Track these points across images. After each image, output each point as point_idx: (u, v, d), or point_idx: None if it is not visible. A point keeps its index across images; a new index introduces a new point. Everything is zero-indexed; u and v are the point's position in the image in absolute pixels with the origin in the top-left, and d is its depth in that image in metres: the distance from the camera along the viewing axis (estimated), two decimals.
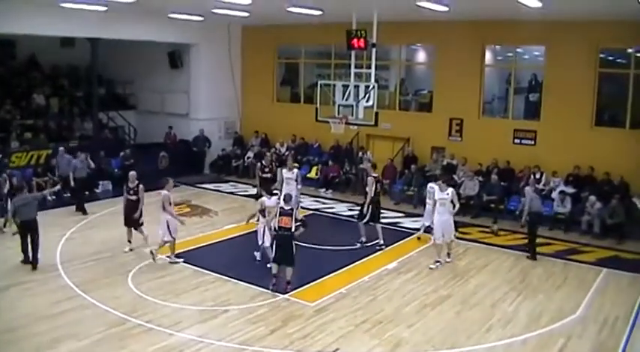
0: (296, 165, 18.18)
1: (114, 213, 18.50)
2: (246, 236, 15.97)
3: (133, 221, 14.97)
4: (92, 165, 19.59)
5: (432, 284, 13.43)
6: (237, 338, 10.53)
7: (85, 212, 18.47)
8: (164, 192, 14.29)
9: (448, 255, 14.95)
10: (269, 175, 17.50)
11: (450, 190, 14.57)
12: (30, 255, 13.60)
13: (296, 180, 16.53)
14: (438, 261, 14.60)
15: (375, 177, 15.78)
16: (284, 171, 16.65)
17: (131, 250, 14.87)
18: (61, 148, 20.03)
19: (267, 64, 26.09)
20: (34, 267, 13.44)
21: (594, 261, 15.24)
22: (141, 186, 14.98)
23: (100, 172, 21.67)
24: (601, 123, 19.07)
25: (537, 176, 18.82)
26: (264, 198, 14.29)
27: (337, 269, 14.12)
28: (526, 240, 15.93)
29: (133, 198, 14.93)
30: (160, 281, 13.09)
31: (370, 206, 15.63)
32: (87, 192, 19.88)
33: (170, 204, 14.22)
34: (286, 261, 12.63)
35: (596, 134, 18.75)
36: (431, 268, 14.33)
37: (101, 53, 22.26)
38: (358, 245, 15.78)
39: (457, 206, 14.72)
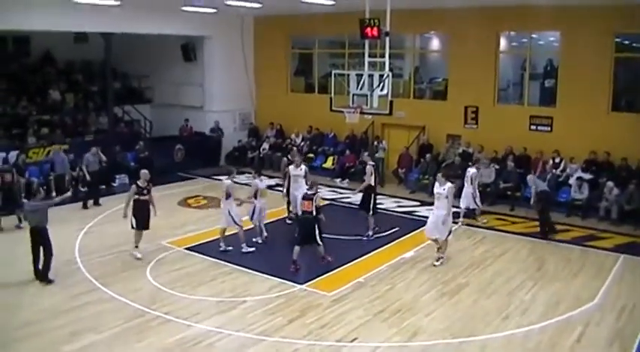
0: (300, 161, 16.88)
1: (131, 206, 18.64)
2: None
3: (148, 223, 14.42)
4: (104, 158, 19.44)
5: (449, 272, 13.42)
6: (255, 328, 10.58)
7: (96, 203, 18.59)
8: (228, 181, 14.40)
9: (438, 252, 14.16)
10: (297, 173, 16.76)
11: (448, 186, 13.81)
12: (40, 267, 12.58)
13: (305, 177, 15.76)
14: (441, 257, 14.02)
15: (372, 166, 15.77)
16: (291, 167, 16.03)
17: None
18: (56, 146, 20.13)
19: (280, 54, 26.08)
20: (43, 280, 12.47)
21: (612, 248, 15.15)
22: (150, 184, 14.38)
23: (117, 166, 21.81)
24: (618, 109, 18.92)
25: (557, 161, 18.78)
26: (256, 181, 14.79)
27: (354, 259, 14.14)
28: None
29: (146, 197, 14.22)
30: (178, 273, 13.18)
31: (372, 195, 15.60)
32: (103, 186, 20.03)
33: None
34: (310, 241, 13.33)
35: (612, 119, 18.60)
36: (434, 265, 13.85)
37: (115, 47, 22.31)
38: (370, 236, 15.69)
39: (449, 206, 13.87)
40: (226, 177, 14.75)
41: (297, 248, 13.29)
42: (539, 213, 16.17)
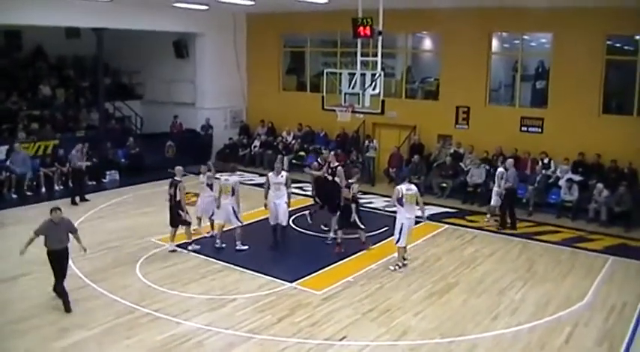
0: (282, 167, 15.98)
1: (121, 203, 18.67)
2: (253, 225, 16.01)
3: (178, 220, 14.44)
4: (77, 162, 19.11)
5: (438, 272, 13.45)
6: (244, 326, 10.57)
7: (83, 199, 18.60)
8: (234, 177, 14.46)
9: (404, 258, 13.85)
10: (330, 177, 15.68)
11: (414, 188, 13.56)
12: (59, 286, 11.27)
13: (286, 185, 14.72)
14: (397, 264, 13.61)
15: (343, 166, 15.78)
16: (270, 174, 14.81)
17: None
18: (17, 144, 19.89)
19: (272, 52, 26.05)
20: (66, 304, 11.10)
21: (601, 249, 15.21)
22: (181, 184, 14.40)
23: (107, 162, 21.77)
24: (608, 111, 19.00)
25: (546, 162, 18.87)
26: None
27: (344, 258, 14.14)
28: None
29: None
30: (168, 271, 13.15)
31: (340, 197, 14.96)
32: (93, 182, 20.01)
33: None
34: (351, 226, 14.43)
35: (603, 122, 18.67)
36: (390, 269, 13.56)
37: (107, 43, 22.24)
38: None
39: (422, 207, 13.73)
40: (229, 174, 14.73)
41: (340, 231, 14.62)
42: (506, 207, 16.80)
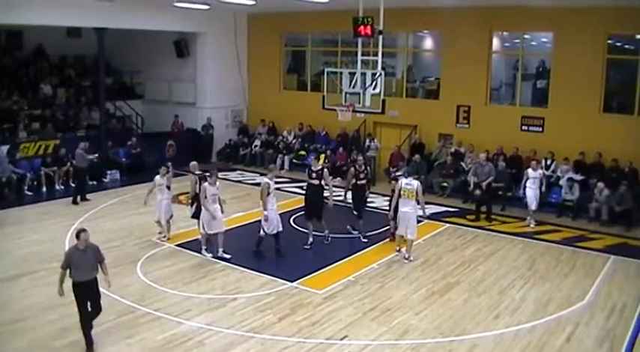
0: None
1: (122, 202, 18.67)
2: (253, 224, 16.00)
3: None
4: (88, 156, 19.19)
5: (439, 271, 13.45)
6: (245, 325, 10.58)
7: (83, 199, 18.57)
8: (265, 179, 14.16)
9: (406, 251, 14.20)
10: (364, 181, 15.68)
11: (416, 183, 13.90)
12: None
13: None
14: (398, 251, 14.40)
15: (328, 168, 15.66)
16: (267, 180, 14.00)
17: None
18: None
19: (273, 52, 26.04)
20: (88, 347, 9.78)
21: (602, 248, 15.20)
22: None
23: (108, 162, 21.78)
24: (609, 110, 18.99)
25: (548, 162, 18.86)
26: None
27: (345, 257, 14.15)
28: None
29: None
30: (169, 270, 13.15)
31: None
32: (94, 182, 20.02)
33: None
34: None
35: (604, 121, 18.66)
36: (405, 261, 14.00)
37: (108, 43, 22.25)
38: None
39: (423, 205, 14.10)
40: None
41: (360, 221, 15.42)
42: (486, 200, 17.52)
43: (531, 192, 16.83)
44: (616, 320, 11.10)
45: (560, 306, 11.62)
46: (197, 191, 14.44)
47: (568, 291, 12.38)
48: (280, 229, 14.15)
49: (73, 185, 19.54)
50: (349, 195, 15.65)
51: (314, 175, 14.86)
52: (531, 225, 16.89)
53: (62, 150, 20.30)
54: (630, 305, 11.73)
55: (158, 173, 15.10)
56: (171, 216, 15.15)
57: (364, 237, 15.41)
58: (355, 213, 15.53)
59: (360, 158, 16.70)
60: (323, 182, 14.85)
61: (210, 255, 13.96)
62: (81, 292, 9.53)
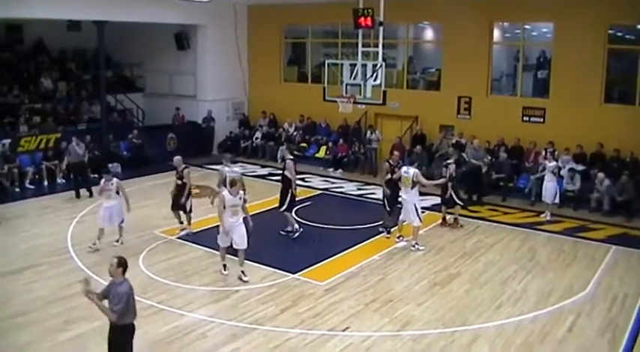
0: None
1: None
2: (255, 216, 16.01)
3: (178, 205, 14.92)
4: (79, 151, 19.13)
5: (441, 262, 13.47)
6: (248, 317, 10.60)
7: (77, 196, 18.53)
8: (223, 192, 13.98)
9: (412, 238, 14.44)
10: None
11: (412, 170, 14.24)
12: None
13: (242, 208, 12.36)
14: (398, 237, 14.75)
15: (293, 160, 14.99)
16: (225, 193, 12.30)
17: (183, 230, 15.01)
18: None
19: (273, 44, 26.01)
20: None
21: (604, 239, 15.22)
22: (186, 170, 14.81)
23: (109, 155, 21.79)
24: (610, 100, 18.98)
25: (549, 151, 18.84)
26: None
27: (347, 249, 14.17)
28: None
29: (179, 182, 14.84)
30: (171, 263, 13.18)
31: (290, 191, 14.84)
32: (95, 175, 20.01)
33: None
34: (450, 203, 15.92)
35: (605, 111, 18.65)
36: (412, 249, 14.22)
37: (108, 36, 22.22)
38: (296, 234, 14.93)
39: (429, 183, 15.13)
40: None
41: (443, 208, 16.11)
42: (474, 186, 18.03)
43: (550, 185, 16.72)
44: (618, 310, 11.12)
45: (562, 297, 11.65)
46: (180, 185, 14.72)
47: (570, 282, 12.40)
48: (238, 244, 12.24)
49: (73, 179, 19.55)
50: (386, 190, 15.00)
51: (295, 167, 15.08)
52: (547, 218, 16.81)
53: (63, 143, 20.29)
54: (632, 295, 11.75)
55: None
56: (122, 220, 14.09)
57: (388, 233, 15.08)
58: (387, 209, 15.06)
59: (396, 153, 16.12)
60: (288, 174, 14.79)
61: (227, 272, 12.52)
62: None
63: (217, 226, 14.89)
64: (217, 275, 12.55)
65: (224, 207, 12.02)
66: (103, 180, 14.04)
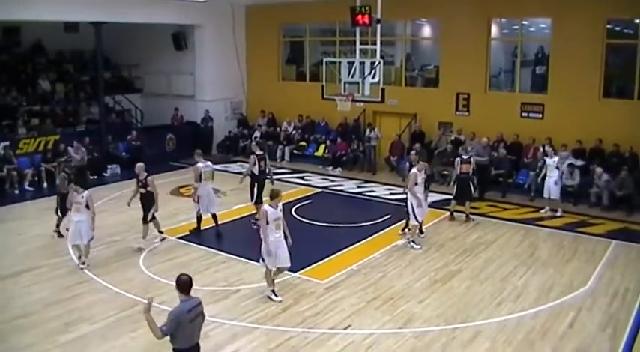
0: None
1: (122, 196, 18.58)
2: (254, 216, 16.02)
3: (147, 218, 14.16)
4: (77, 156, 19.36)
5: (441, 259, 13.47)
6: (249, 317, 10.60)
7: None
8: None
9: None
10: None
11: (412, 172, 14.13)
12: None
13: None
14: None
15: (257, 155, 15.45)
16: (266, 207, 11.31)
17: (162, 240, 14.53)
18: None
19: (271, 43, 26.00)
20: None
21: (604, 234, 15.23)
22: (150, 178, 13.96)
23: (109, 156, 21.80)
24: (609, 95, 18.96)
25: (547, 149, 18.83)
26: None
27: (347, 247, 14.16)
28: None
29: (143, 191, 13.99)
30: (171, 263, 13.17)
31: (256, 185, 15.37)
32: (95, 176, 20.05)
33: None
34: (467, 198, 16.09)
35: (604, 106, 18.63)
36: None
37: (105, 37, 22.19)
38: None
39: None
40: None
41: (453, 202, 16.28)
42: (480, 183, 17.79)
43: (549, 181, 16.74)
44: (618, 304, 11.13)
45: (563, 292, 11.65)
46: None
47: (570, 277, 12.40)
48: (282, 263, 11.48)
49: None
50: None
51: (261, 163, 15.44)
52: (558, 214, 16.82)
53: (62, 145, 20.30)
54: (632, 289, 11.76)
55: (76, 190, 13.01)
56: (92, 238, 12.95)
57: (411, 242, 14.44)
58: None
59: (413, 152, 15.75)
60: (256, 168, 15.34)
61: (280, 298, 11.38)
62: None
63: (213, 227, 15.11)
64: (218, 274, 12.57)
65: (267, 223, 11.01)
66: (72, 192, 13.02)
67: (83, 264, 12.69)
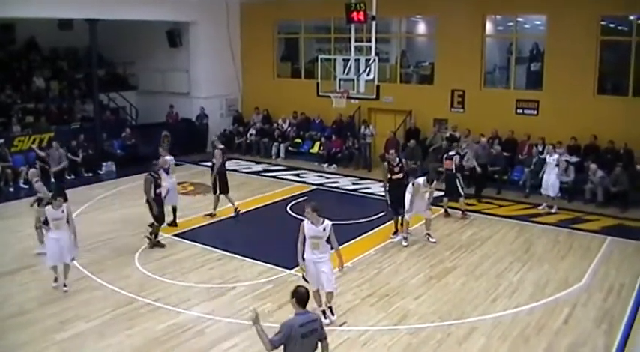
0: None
1: (117, 194, 18.67)
2: (250, 213, 16.05)
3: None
4: (55, 156, 19.46)
5: (437, 256, 13.48)
6: (245, 314, 10.55)
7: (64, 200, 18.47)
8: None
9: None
10: (400, 175, 14.39)
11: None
12: None
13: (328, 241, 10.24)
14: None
15: (221, 149, 16.11)
16: (305, 222, 10.01)
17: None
18: None
19: (266, 40, 25.97)
20: None
21: (599, 230, 15.26)
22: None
23: (103, 154, 21.78)
24: (603, 92, 18.98)
25: (540, 148, 18.87)
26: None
27: (343, 243, 14.04)
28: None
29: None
30: (167, 261, 13.17)
31: (218, 177, 15.90)
32: (89, 174, 20.09)
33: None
34: (455, 194, 16.16)
35: (598, 102, 18.66)
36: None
37: (100, 34, 22.15)
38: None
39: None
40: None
41: (445, 199, 16.38)
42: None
43: (548, 178, 16.73)
44: (613, 300, 11.16)
45: (558, 288, 11.68)
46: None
47: (565, 273, 12.43)
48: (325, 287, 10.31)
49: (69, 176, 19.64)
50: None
51: (224, 156, 16.25)
52: (545, 210, 16.89)
53: (54, 143, 20.26)
54: (627, 285, 11.80)
55: (50, 203, 11.52)
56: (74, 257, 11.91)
57: (405, 240, 14.31)
58: (390, 209, 14.75)
59: (392, 151, 15.58)
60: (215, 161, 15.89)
61: (335, 318, 10.41)
62: None
63: (207, 224, 15.13)
64: (213, 272, 12.57)
65: (304, 240, 9.91)
66: (49, 208, 11.38)
67: (65, 286, 11.49)
